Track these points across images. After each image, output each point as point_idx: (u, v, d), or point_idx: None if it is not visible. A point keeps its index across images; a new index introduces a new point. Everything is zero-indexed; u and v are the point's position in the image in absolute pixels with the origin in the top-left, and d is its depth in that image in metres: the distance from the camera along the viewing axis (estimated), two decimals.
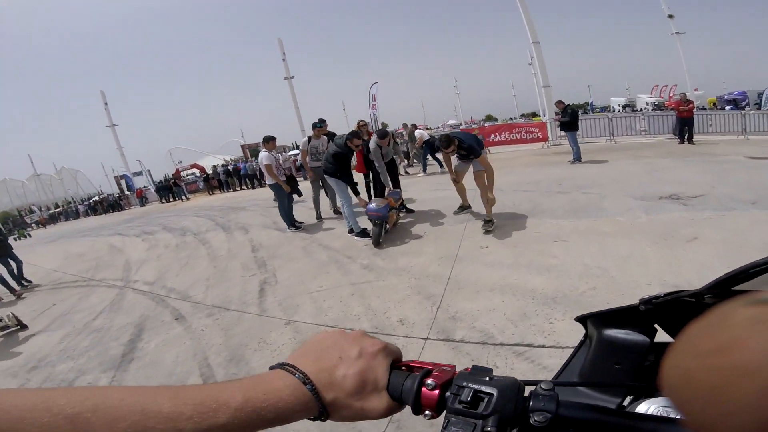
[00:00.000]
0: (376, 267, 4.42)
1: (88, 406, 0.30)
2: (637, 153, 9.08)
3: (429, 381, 0.39)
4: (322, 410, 0.38)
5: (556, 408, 0.35)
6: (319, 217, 7.15)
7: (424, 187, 8.66)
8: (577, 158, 8.59)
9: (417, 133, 11.03)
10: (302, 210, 8.11)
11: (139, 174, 30.62)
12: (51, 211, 34.58)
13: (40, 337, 4.50)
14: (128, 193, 27.95)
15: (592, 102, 36.16)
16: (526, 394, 0.38)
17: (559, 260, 3.63)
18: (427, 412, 0.39)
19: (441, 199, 6.68)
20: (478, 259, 4.04)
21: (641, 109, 25.14)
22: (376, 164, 5.73)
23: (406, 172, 11.46)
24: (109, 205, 26.85)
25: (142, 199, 25.06)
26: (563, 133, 9.43)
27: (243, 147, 18.94)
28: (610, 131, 11.97)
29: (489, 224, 4.70)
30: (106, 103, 24.15)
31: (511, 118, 35.43)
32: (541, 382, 0.38)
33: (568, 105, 8.98)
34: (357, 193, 5.31)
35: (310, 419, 0.39)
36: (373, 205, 4.94)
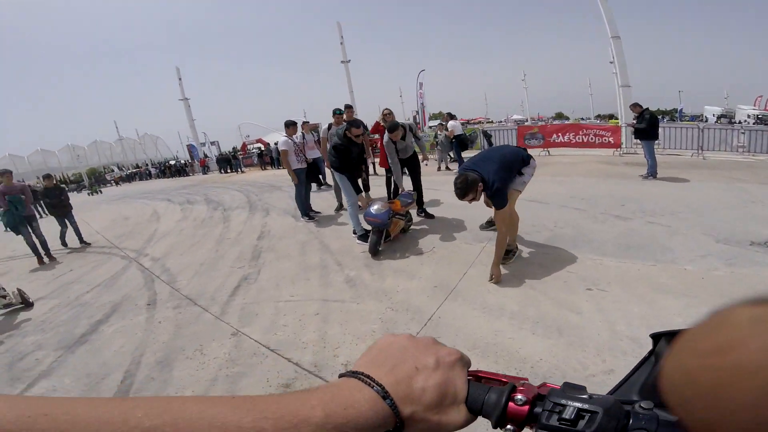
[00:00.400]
0: (360, 283, 3.79)
1: (166, 420, 0.28)
2: (730, 174, 7.20)
3: (518, 396, 0.38)
4: (399, 425, 0.34)
5: (656, 428, 0.33)
6: (339, 207, 6.73)
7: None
8: (652, 173, 7.10)
9: (450, 123, 9.89)
10: (328, 198, 7.69)
11: (204, 145, 32.53)
12: (129, 171, 38.12)
13: (35, 305, 4.50)
14: (193, 161, 29.83)
15: (681, 109, 31.68)
16: None
17: (581, 319, 2.69)
18: (509, 426, 0.37)
19: (472, 207, 5.76)
20: (477, 297, 3.19)
21: (740, 122, 22.00)
22: (389, 160, 5.04)
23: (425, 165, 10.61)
24: (177, 170, 28.85)
25: (204, 168, 26.62)
26: (639, 141, 7.86)
27: (302, 126, 18.88)
28: (699, 144, 9.89)
29: (509, 255, 3.73)
30: (180, 79, 25.87)
31: (582, 119, 32.18)
32: (637, 401, 0.36)
33: (646, 109, 7.40)
34: (358, 191, 4.62)
35: None
36: (372, 209, 4.25)
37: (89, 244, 7.38)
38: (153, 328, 3.43)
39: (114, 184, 33.69)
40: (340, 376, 0.38)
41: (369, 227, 4.42)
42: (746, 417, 0.20)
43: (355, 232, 4.89)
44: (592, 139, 10.96)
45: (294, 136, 6.23)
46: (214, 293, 4.00)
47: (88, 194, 25.29)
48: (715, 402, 0.21)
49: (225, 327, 3.25)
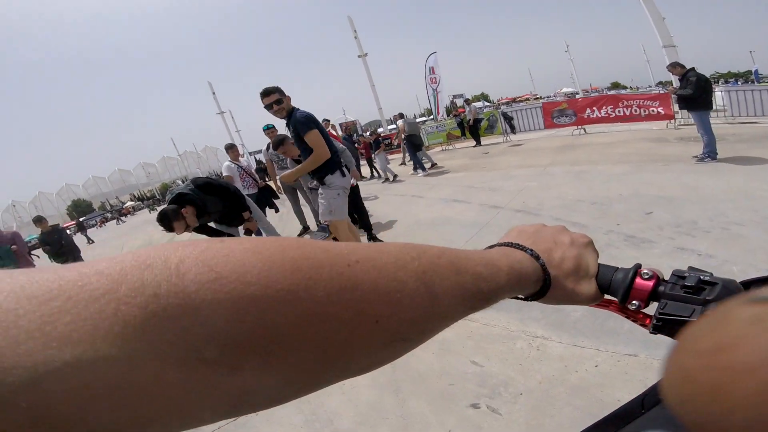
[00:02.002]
0: None
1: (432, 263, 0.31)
2: None
3: (645, 271, 0.41)
4: (547, 282, 0.40)
5: None
6: (304, 230, 5.73)
7: (441, 193, 6.11)
8: (709, 154, 5.16)
9: (399, 122, 8.48)
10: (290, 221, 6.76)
11: (257, 152, 33.20)
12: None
13: None
14: None
15: (756, 70, 26.21)
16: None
17: None
18: (634, 302, 0.40)
19: (433, 229, 4.45)
20: (335, 390, 2.09)
21: None
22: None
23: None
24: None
25: None
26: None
27: (341, 125, 18.44)
28: None
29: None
30: (213, 93, 25.81)
31: (637, 88, 27.98)
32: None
33: (690, 70, 5.38)
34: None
35: (522, 298, 0.42)
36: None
37: None
38: None
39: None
40: (490, 247, 0.43)
41: None
42: (744, 416, 0.19)
43: None
44: (636, 111, 8.70)
45: (240, 159, 5.45)
46: None
47: (149, 211, 27.38)
48: (712, 401, 0.21)
49: None
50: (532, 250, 0.41)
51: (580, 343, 2.08)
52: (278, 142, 3.66)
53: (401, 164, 10.47)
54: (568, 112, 9.67)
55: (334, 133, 5.90)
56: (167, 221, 2.92)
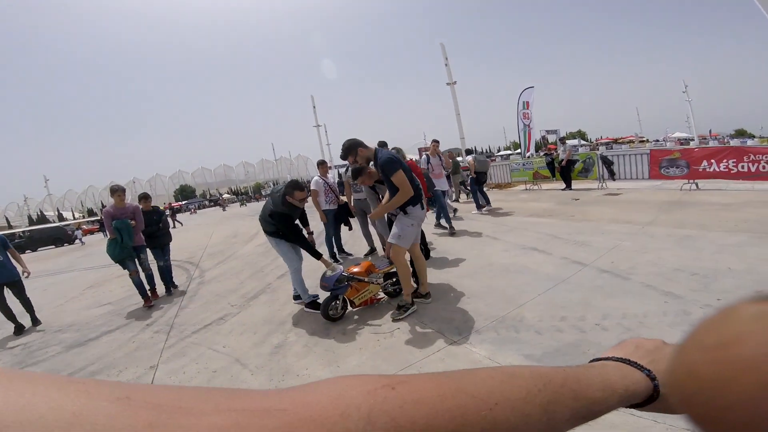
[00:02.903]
0: (283, 351, 3.06)
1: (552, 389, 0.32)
2: None
3: None
4: (650, 400, 0.40)
5: None
6: (371, 251, 5.95)
7: (520, 239, 5.74)
8: None
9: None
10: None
11: (342, 166, 35.28)
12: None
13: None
14: None
15: None
16: None
17: None
18: None
19: (487, 278, 4.16)
20: None
21: None
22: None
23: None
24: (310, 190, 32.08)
25: None
26: None
27: (420, 149, 18.98)
28: None
29: (401, 310, 3.34)
30: (314, 106, 28.46)
31: None
32: None
33: None
34: (318, 255, 3.73)
35: (631, 406, 0.41)
36: (327, 272, 3.54)
37: (176, 286, 5.75)
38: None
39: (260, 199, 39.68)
40: (596, 360, 0.43)
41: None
42: (746, 411, 0.20)
43: (296, 298, 4.07)
44: (764, 167, 7.31)
45: (327, 175, 5.74)
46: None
47: (240, 204, 30.48)
48: (716, 395, 0.21)
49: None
50: (650, 371, 0.40)
51: (637, 413, 1.76)
52: (356, 173, 3.80)
53: (454, 200, 10.21)
54: (681, 162, 8.43)
55: (413, 160, 6.07)
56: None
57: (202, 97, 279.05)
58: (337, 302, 3.46)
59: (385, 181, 3.34)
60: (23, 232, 29.01)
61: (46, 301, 6.28)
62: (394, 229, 3.30)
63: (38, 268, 12.25)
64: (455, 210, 8.16)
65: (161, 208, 5.91)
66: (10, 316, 4.64)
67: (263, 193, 44.68)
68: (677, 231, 4.94)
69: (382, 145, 5.42)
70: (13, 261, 4.83)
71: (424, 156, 6.48)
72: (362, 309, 3.67)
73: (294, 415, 0.23)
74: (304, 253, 3.81)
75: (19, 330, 4.59)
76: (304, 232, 4.04)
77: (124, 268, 4.95)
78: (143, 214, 5.23)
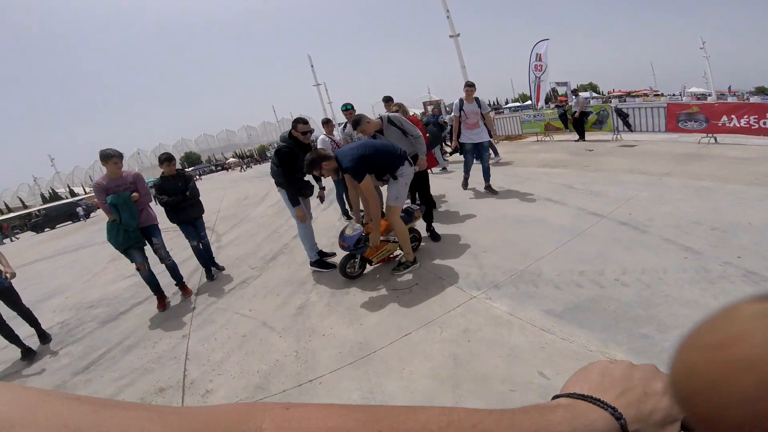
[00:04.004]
0: (306, 312, 3.15)
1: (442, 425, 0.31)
2: None
3: None
4: None
5: None
6: (345, 213, 6.12)
7: (534, 189, 5.56)
8: None
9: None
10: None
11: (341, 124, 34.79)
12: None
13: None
14: None
15: None
16: None
17: None
18: None
19: (498, 230, 4.17)
20: (385, 373, 2.18)
21: None
22: None
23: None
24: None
25: None
26: None
27: (425, 103, 18.52)
28: None
29: (399, 267, 3.49)
30: (312, 66, 27.44)
31: None
32: None
33: None
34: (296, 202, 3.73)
35: None
36: (346, 231, 3.55)
37: (222, 268, 4.80)
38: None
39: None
40: (557, 397, 0.40)
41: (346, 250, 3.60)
42: (744, 410, 0.20)
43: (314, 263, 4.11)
44: None
45: (333, 134, 5.67)
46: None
47: (240, 171, 30.33)
48: (715, 395, 0.21)
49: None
50: (614, 408, 0.36)
51: None
52: (356, 122, 3.77)
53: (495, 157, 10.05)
54: (699, 116, 8.12)
55: (416, 115, 5.70)
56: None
57: (200, 64, 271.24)
58: (355, 260, 3.53)
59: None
60: (39, 210, 29.44)
61: (72, 278, 6.49)
62: (392, 191, 3.33)
63: (58, 245, 12.65)
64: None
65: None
66: (12, 337, 3.48)
67: (268, 155, 44.38)
68: (695, 182, 4.84)
69: (387, 100, 5.29)
70: None
71: (456, 102, 5.60)
72: (379, 266, 3.74)
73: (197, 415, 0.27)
74: (317, 211, 3.86)
75: (28, 354, 3.44)
76: (316, 187, 4.05)
77: (131, 261, 3.79)
78: (165, 181, 4.19)
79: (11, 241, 22.40)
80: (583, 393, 0.39)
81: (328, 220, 5.99)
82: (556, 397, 0.40)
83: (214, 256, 4.78)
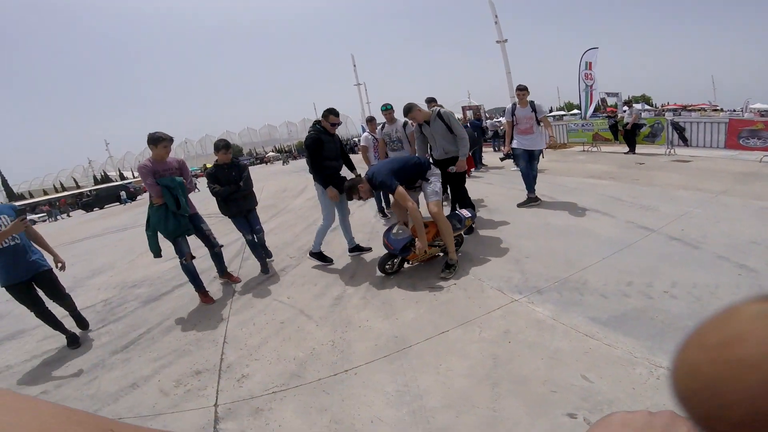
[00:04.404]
0: (343, 303, 3.22)
1: None
2: None
3: None
4: None
5: None
6: (381, 210, 6.18)
7: (581, 200, 5.38)
8: None
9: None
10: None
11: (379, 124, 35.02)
12: None
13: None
14: None
15: None
16: None
17: None
18: None
19: (583, 235, 4.09)
20: (421, 367, 2.20)
21: None
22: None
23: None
24: (350, 149, 31.88)
25: None
26: None
27: (464, 108, 18.40)
28: None
29: (450, 269, 3.41)
30: (354, 65, 28.09)
31: None
32: None
33: None
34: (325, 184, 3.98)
35: None
36: (392, 231, 3.56)
37: (270, 255, 4.74)
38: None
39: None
40: None
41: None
42: (745, 410, 0.20)
43: (352, 250, 4.37)
44: None
45: (376, 132, 5.75)
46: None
47: (282, 164, 31.44)
48: (717, 395, 0.21)
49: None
50: None
51: None
52: (408, 109, 3.97)
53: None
54: (764, 134, 7.58)
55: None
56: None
57: (247, 61, 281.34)
58: (396, 260, 3.55)
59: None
60: (90, 191, 31.56)
61: (118, 256, 6.89)
62: (428, 190, 3.47)
63: (106, 224, 13.53)
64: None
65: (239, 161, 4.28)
66: (56, 324, 3.31)
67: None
68: (755, 202, 4.52)
69: (430, 101, 5.30)
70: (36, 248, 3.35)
71: (509, 106, 5.36)
72: (415, 263, 3.76)
73: None
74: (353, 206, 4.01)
75: (74, 341, 3.32)
76: (352, 174, 4.09)
77: (178, 251, 3.65)
78: (219, 169, 3.97)
79: (64, 218, 24.19)
80: None
81: (364, 217, 6.07)
82: None
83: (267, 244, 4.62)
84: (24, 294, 3.15)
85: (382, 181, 3.31)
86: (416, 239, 3.34)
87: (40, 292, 3.29)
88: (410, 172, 3.47)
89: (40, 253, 3.29)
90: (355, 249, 4.29)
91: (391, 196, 3.76)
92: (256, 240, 4.22)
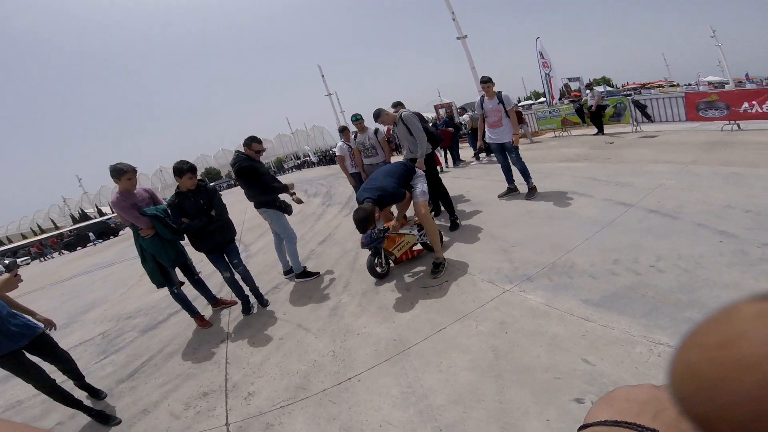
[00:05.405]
0: (340, 313, 3.20)
1: None
2: None
3: None
4: None
5: None
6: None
7: (559, 184, 5.49)
8: None
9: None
10: None
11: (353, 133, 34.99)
12: (299, 161, 43.55)
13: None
14: None
15: None
16: None
17: None
18: None
19: (565, 217, 4.21)
20: (422, 368, 2.18)
21: None
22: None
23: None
24: (329, 159, 31.59)
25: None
26: None
27: (436, 107, 18.56)
28: None
29: (439, 269, 3.43)
30: (323, 76, 28.05)
31: None
32: None
33: None
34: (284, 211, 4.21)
35: None
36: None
37: (267, 303, 3.83)
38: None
39: (290, 171, 39.49)
40: (584, 427, 0.39)
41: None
42: (744, 409, 0.20)
43: (288, 272, 4.50)
44: None
45: (350, 141, 5.75)
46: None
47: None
48: (716, 395, 0.21)
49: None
50: (655, 430, 0.35)
51: None
52: (377, 114, 4.23)
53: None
54: (719, 104, 7.92)
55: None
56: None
57: (213, 81, 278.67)
58: (380, 258, 3.59)
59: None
60: (70, 230, 30.56)
61: (109, 290, 6.74)
62: (420, 188, 3.51)
63: (92, 261, 13.10)
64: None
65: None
66: (71, 402, 2.59)
67: (285, 167, 44.66)
68: (723, 169, 4.73)
69: (396, 105, 5.34)
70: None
71: (478, 99, 5.30)
72: (406, 264, 3.80)
73: None
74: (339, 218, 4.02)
75: (104, 419, 2.60)
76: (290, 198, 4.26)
77: (171, 282, 3.50)
78: (183, 198, 3.33)
79: (55, 256, 23.32)
80: (616, 420, 0.38)
81: (351, 227, 6.08)
82: (583, 427, 0.39)
83: (258, 286, 3.84)
84: (19, 364, 2.43)
85: (394, 193, 3.29)
86: (386, 224, 3.52)
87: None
88: (405, 177, 3.54)
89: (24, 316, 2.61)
90: (290, 272, 4.39)
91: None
92: (235, 277, 3.66)
